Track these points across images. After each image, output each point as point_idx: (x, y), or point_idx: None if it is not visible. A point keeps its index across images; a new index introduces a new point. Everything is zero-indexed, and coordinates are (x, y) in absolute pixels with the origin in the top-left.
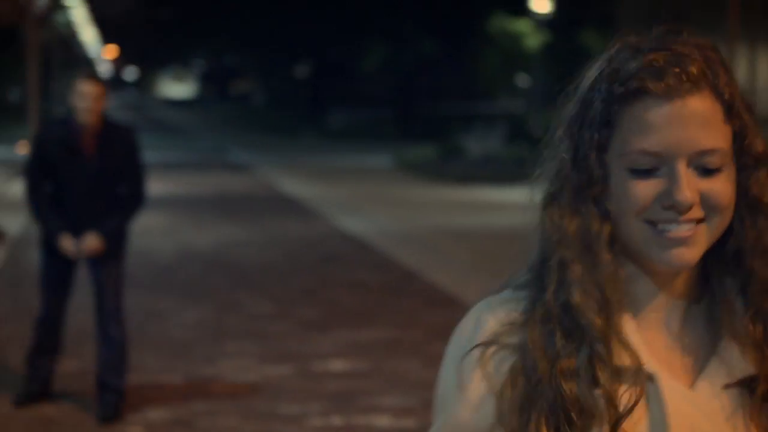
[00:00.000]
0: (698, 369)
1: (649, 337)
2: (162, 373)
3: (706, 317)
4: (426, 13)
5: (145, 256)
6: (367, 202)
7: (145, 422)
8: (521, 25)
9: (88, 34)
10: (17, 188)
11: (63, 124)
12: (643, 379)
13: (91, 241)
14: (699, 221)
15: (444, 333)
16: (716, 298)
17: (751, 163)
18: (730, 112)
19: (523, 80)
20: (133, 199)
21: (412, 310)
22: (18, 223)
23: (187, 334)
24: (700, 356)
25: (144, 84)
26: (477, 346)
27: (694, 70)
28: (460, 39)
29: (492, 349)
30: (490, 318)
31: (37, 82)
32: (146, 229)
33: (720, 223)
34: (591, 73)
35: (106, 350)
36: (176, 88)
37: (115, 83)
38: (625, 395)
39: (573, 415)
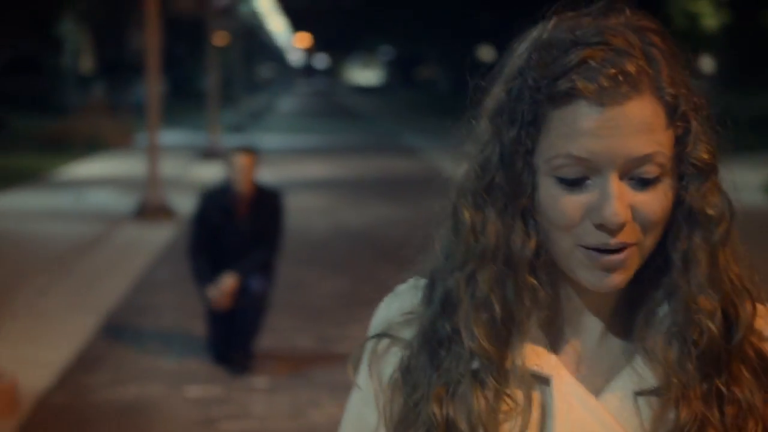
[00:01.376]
0: (610, 378)
1: (561, 347)
2: (294, 335)
3: (627, 327)
4: None
5: (301, 233)
6: None
7: (270, 376)
8: (701, 6)
9: (277, 23)
10: (196, 172)
11: (222, 192)
12: (530, 389)
13: (227, 282)
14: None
15: None
16: (638, 311)
17: (692, 172)
18: (673, 114)
19: (704, 63)
20: (271, 250)
21: None
22: (189, 202)
23: (323, 302)
24: (616, 366)
25: (334, 71)
26: (372, 337)
27: (632, 69)
28: None
29: (384, 342)
30: (391, 306)
31: (218, 72)
32: (306, 209)
33: (652, 242)
34: (519, 53)
35: (245, 318)
36: (364, 74)
37: (306, 71)
38: (510, 415)
39: None
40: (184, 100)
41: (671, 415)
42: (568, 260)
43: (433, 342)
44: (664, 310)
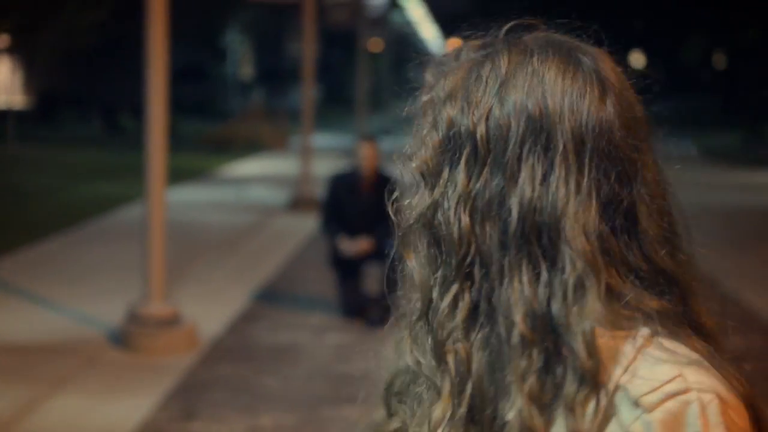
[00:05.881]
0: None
1: None
2: None
3: None
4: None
5: None
6: None
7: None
8: None
9: (429, 30)
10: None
11: (349, 174)
12: None
13: (363, 242)
14: None
15: None
16: None
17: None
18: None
19: None
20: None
21: None
22: None
23: None
24: None
25: None
26: None
27: (424, 95)
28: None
29: None
30: None
31: (366, 79)
32: None
33: None
34: None
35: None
36: None
37: None
38: None
39: None
40: (336, 106)
41: None
42: None
43: None
44: None
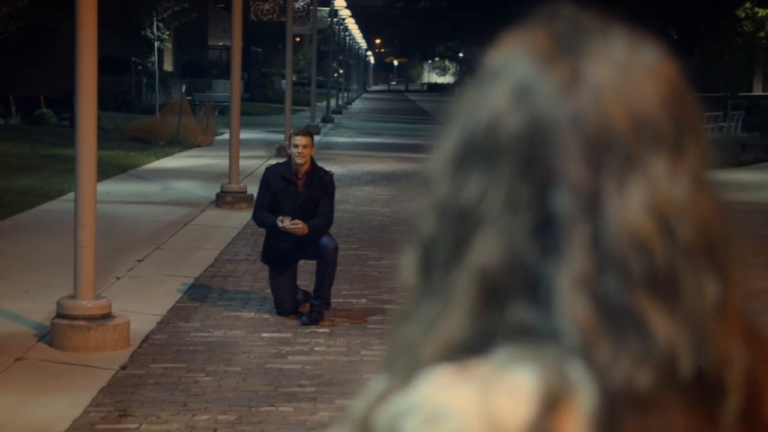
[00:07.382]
0: None
1: None
2: (352, 298)
3: None
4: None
5: (365, 218)
6: None
7: (332, 325)
8: None
9: (353, 26)
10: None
11: (284, 166)
12: None
13: (299, 223)
14: None
15: None
16: None
17: None
18: None
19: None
20: (326, 221)
21: None
22: None
23: (378, 273)
24: None
25: (407, 72)
26: None
27: None
28: (706, 28)
29: None
30: None
31: (291, 74)
32: (370, 199)
33: None
34: None
35: (323, 269)
36: (437, 75)
37: (380, 71)
38: None
39: None
40: (254, 103)
41: None
42: None
43: None
44: None
